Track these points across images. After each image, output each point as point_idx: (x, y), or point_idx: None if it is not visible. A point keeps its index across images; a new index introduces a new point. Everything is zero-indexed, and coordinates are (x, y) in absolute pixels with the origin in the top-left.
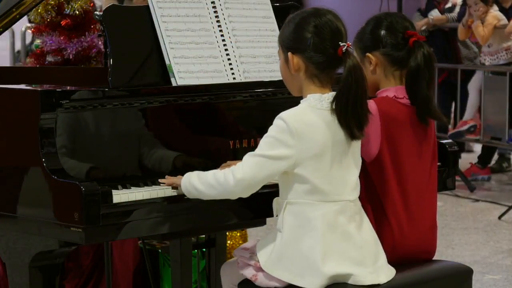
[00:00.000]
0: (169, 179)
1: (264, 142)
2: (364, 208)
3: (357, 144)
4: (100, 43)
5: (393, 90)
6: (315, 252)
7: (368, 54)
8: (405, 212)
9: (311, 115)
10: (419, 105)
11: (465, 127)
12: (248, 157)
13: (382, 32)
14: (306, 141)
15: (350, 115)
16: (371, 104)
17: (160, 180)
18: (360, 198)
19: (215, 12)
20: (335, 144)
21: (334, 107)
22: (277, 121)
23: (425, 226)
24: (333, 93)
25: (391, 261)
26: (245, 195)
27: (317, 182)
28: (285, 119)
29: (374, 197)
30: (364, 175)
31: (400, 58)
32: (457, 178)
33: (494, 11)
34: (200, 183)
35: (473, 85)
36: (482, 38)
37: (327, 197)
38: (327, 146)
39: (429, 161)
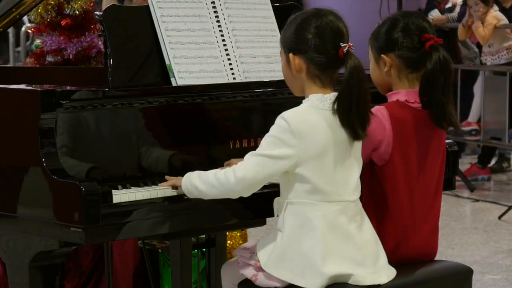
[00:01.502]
0: (169, 180)
1: (266, 142)
2: (366, 212)
3: (358, 145)
4: (100, 43)
5: (404, 93)
6: (316, 252)
7: (383, 55)
8: (411, 216)
9: (313, 115)
10: (434, 110)
11: (467, 129)
12: (249, 156)
13: (398, 34)
14: (308, 141)
15: (353, 115)
16: (382, 111)
17: (160, 184)
18: (362, 200)
19: (215, 12)
20: (337, 145)
21: (336, 107)
22: (279, 120)
23: (428, 229)
24: (335, 94)
25: (392, 263)
26: (246, 194)
27: (318, 182)
28: (287, 118)
29: (380, 199)
30: (370, 179)
31: (415, 61)
32: (457, 178)
33: (494, 11)
34: (201, 183)
35: (479, 87)
36: (482, 38)
37: (328, 197)
38: (328, 146)
39: (438, 166)
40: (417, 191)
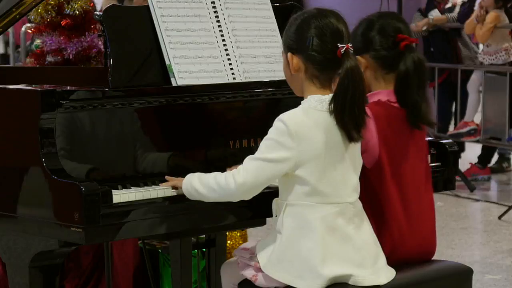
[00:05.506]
0: (170, 181)
1: (264, 145)
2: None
3: (356, 146)
4: (100, 43)
5: (385, 93)
6: (315, 254)
7: (358, 57)
8: (405, 216)
9: (311, 116)
10: (409, 110)
11: (465, 130)
12: (248, 160)
13: (373, 35)
14: (306, 143)
15: (347, 117)
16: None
17: (161, 184)
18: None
19: (215, 12)
20: (335, 146)
21: (332, 108)
22: (276, 123)
23: (426, 228)
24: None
25: (391, 264)
26: (247, 197)
27: (317, 184)
28: (284, 121)
29: (374, 201)
30: (364, 180)
31: (390, 62)
32: (457, 178)
33: (496, 11)
34: (201, 186)
35: (472, 86)
36: (480, 37)
37: (326, 199)
38: (327, 147)
39: (424, 162)
40: (409, 191)
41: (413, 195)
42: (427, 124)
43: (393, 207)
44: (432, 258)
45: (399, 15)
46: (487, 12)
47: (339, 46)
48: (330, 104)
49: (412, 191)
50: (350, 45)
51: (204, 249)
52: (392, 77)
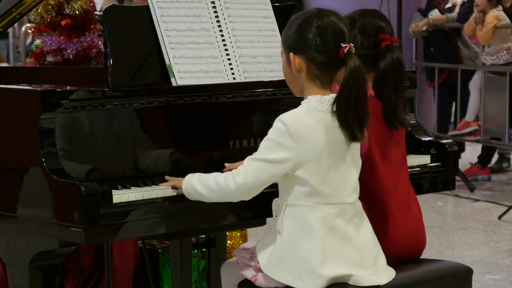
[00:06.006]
0: (170, 181)
1: (264, 146)
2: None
3: (356, 146)
4: (100, 43)
5: (369, 89)
6: (314, 255)
7: None
8: (396, 207)
9: (311, 117)
10: (384, 110)
11: (467, 130)
12: (248, 161)
13: (355, 33)
14: (306, 144)
15: (351, 117)
16: None
17: (161, 184)
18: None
19: (215, 12)
20: (335, 147)
21: (335, 108)
22: (276, 123)
23: (415, 217)
24: (334, 95)
25: (389, 255)
26: (247, 198)
27: (317, 184)
28: (284, 121)
29: (366, 195)
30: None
31: (370, 61)
32: (457, 178)
33: (497, 11)
34: (201, 186)
35: (474, 85)
36: (481, 38)
37: (326, 200)
38: (327, 148)
39: (406, 156)
40: (399, 184)
41: (402, 184)
42: (402, 126)
43: (384, 200)
44: (433, 258)
45: (381, 13)
46: (484, 13)
47: (342, 45)
48: (333, 104)
49: (401, 183)
50: (352, 44)
51: (204, 249)
52: (372, 76)
